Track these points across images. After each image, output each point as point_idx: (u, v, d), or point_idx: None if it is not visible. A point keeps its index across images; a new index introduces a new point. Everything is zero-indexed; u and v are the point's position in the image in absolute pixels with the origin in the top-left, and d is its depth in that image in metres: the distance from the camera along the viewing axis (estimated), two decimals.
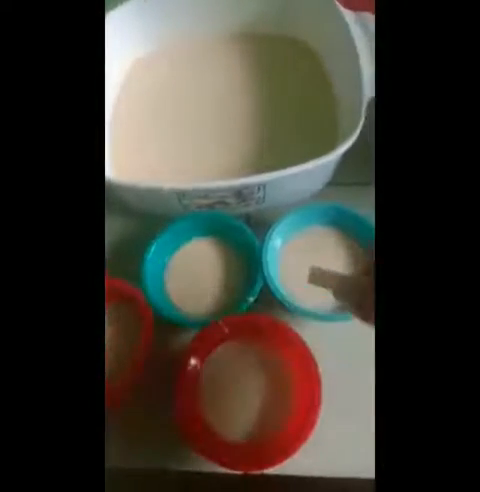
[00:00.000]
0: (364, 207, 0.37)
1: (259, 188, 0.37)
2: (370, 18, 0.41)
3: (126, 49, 0.50)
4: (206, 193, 0.36)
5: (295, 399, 0.33)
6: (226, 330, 0.35)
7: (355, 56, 0.39)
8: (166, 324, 0.36)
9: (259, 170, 0.36)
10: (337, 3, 0.43)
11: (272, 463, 0.31)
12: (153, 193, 0.36)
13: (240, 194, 0.37)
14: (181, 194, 0.36)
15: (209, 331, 0.34)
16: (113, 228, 0.42)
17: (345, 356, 0.35)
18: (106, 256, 0.41)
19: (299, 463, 0.32)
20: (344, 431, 0.33)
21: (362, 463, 0.31)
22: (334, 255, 0.39)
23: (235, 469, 0.31)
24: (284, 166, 0.35)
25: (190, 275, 0.39)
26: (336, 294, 0.25)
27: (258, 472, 0.32)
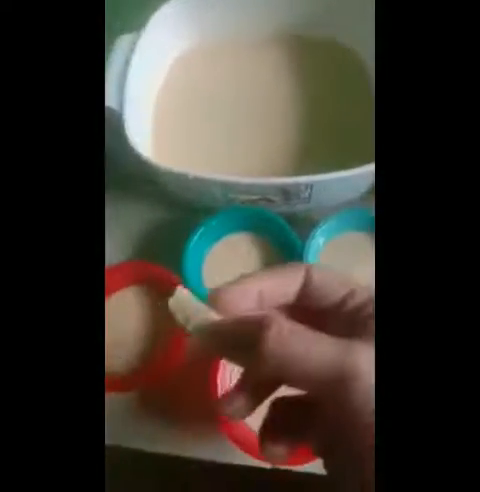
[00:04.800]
0: None
1: (306, 188, 0.37)
2: None
3: (171, 43, 0.50)
4: (254, 189, 0.37)
5: None
6: None
7: None
8: None
9: (302, 171, 0.36)
10: None
11: (304, 460, 0.31)
12: (201, 184, 0.36)
13: (286, 193, 0.38)
14: (228, 188, 0.37)
15: None
16: (155, 216, 0.42)
17: None
18: (148, 243, 0.42)
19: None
20: None
21: None
22: (371, 260, 0.39)
23: (267, 462, 0.32)
24: (327, 170, 0.35)
25: (228, 268, 0.40)
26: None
27: (288, 468, 0.32)
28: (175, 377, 0.35)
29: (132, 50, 0.42)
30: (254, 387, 0.18)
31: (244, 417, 0.18)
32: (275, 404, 0.19)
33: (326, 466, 0.17)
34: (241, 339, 0.16)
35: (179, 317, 0.19)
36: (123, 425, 0.35)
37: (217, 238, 0.40)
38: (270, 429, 0.18)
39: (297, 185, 0.36)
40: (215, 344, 0.18)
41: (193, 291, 0.36)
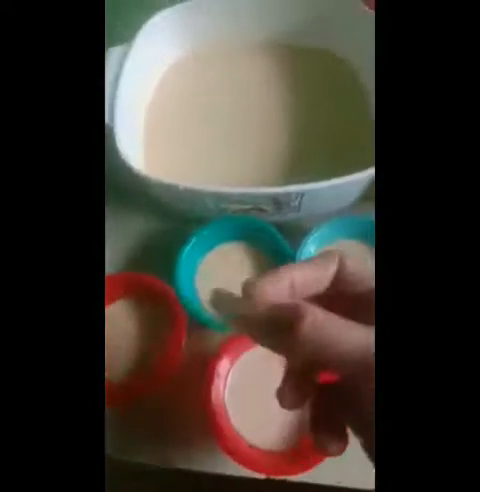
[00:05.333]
0: None
1: (297, 197, 0.37)
2: None
3: (162, 53, 0.50)
4: (244, 198, 0.37)
5: None
6: None
7: None
8: (194, 324, 0.37)
9: (293, 180, 0.36)
10: None
11: (298, 470, 0.31)
12: (192, 194, 0.36)
13: (277, 202, 0.38)
14: (220, 198, 0.37)
15: (239, 336, 0.35)
16: (148, 227, 0.43)
17: None
18: (141, 254, 0.42)
19: (324, 473, 0.32)
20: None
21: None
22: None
23: (260, 472, 0.32)
24: (318, 178, 0.35)
25: (220, 278, 0.40)
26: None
27: (282, 478, 0.32)
28: (168, 390, 0.35)
29: (122, 62, 0.42)
30: (298, 377, 0.19)
31: (298, 408, 0.19)
32: (315, 397, 0.20)
33: (365, 447, 0.18)
34: (276, 326, 0.18)
35: (217, 310, 0.21)
36: (118, 438, 0.35)
37: (209, 248, 0.40)
38: (321, 422, 0.20)
39: (287, 194, 0.36)
40: (251, 332, 0.19)
41: (186, 301, 0.37)
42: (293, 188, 0.35)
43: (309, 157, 0.44)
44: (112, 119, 0.39)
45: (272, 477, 0.32)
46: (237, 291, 0.38)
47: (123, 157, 0.37)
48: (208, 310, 0.38)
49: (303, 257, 0.38)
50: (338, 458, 0.30)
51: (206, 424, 0.32)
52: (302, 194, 0.37)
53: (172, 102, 0.48)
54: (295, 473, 0.31)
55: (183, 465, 0.33)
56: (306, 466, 0.31)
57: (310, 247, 0.39)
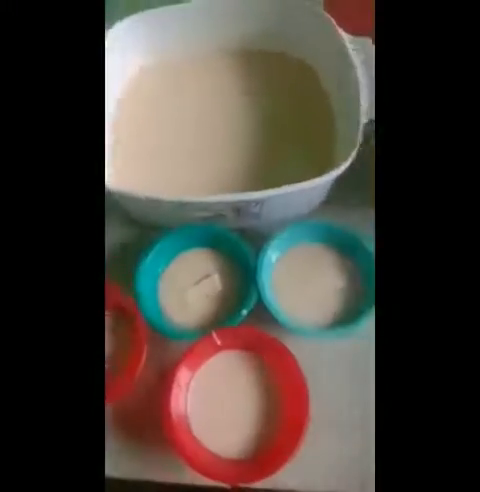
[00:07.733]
0: (358, 226, 0.38)
1: (256, 204, 0.37)
2: (368, 43, 0.42)
3: (125, 62, 0.50)
4: (206, 206, 0.37)
5: (284, 413, 0.34)
6: (218, 342, 0.35)
7: (354, 79, 0.40)
8: (156, 334, 0.36)
9: (256, 186, 0.36)
10: (336, 25, 0.44)
11: (260, 477, 0.31)
12: (154, 203, 0.36)
13: (237, 209, 0.38)
14: (181, 206, 0.37)
15: (202, 343, 0.35)
16: (110, 236, 0.42)
17: (336, 373, 0.36)
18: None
19: (286, 478, 0.32)
20: (332, 447, 0.34)
21: (348, 480, 0.32)
22: (326, 272, 0.40)
23: (223, 482, 0.32)
24: (281, 184, 0.35)
25: (183, 285, 0.40)
26: None
27: (245, 485, 0.32)
28: (129, 400, 0.35)
29: None
30: None
31: None
32: None
33: None
34: None
35: None
36: None
37: (172, 256, 0.40)
38: None
39: (247, 201, 0.37)
40: None
41: (147, 311, 0.36)
42: (250, 195, 0.35)
43: (273, 162, 0.44)
44: None
45: (235, 486, 0.32)
46: (199, 298, 0.39)
47: None
48: (171, 318, 0.38)
49: (265, 263, 0.38)
50: (299, 463, 0.31)
51: (166, 434, 0.32)
52: (262, 201, 0.37)
53: (137, 111, 0.48)
54: (256, 480, 0.31)
55: (143, 476, 0.33)
56: (267, 473, 0.31)
57: (270, 255, 0.39)
